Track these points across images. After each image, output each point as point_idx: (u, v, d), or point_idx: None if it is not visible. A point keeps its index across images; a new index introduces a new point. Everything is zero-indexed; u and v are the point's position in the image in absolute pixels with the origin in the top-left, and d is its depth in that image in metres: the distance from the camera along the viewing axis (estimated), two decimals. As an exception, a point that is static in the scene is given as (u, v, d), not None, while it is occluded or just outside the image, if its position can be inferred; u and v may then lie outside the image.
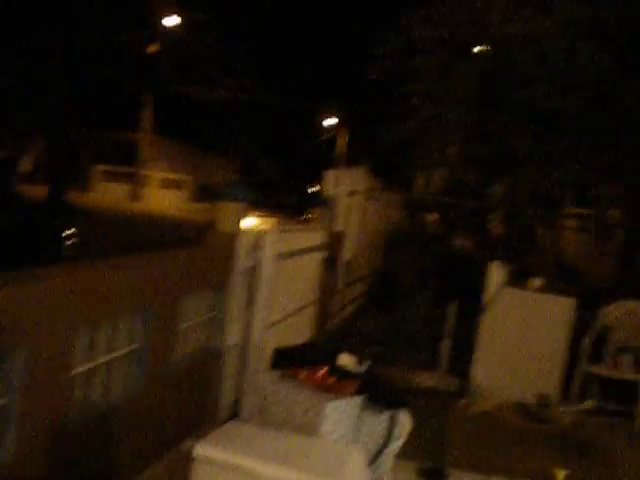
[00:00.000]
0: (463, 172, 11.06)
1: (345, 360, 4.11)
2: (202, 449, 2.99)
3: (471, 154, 10.34)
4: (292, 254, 6.47)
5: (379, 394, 3.90)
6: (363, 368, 4.14)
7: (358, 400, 3.83)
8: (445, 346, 8.15)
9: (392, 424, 3.83)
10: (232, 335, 5.43)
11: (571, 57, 8.63)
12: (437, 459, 5.43)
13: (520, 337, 7.41)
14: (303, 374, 3.83)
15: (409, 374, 7.76)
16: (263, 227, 6.52)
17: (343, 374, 3.95)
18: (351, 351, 4.25)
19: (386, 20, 10.05)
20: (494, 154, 10.00)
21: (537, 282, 7.88)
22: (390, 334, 9.55)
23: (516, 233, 11.05)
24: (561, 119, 9.08)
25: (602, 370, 7.55)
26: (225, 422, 3.72)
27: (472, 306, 7.80)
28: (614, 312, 7.87)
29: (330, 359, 4.02)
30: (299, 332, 7.16)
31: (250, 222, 7.17)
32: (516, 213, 10.99)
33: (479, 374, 7.44)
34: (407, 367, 8.00)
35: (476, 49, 9.44)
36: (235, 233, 5.48)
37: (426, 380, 7.81)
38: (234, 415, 5.09)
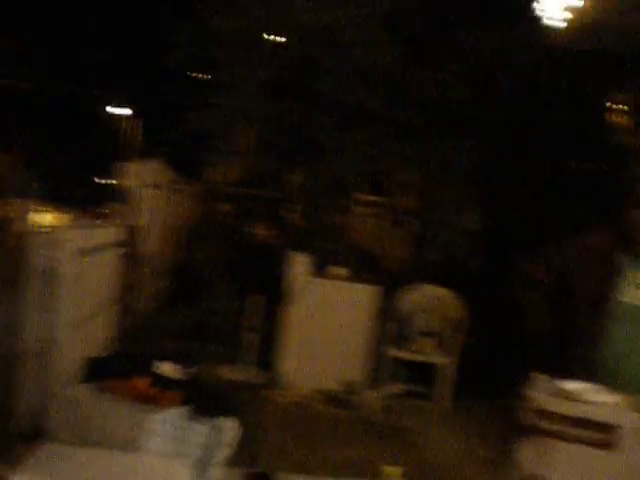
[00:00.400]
0: (262, 162, 10.96)
1: (166, 368, 3.86)
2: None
3: (270, 144, 10.26)
4: (91, 251, 6.07)
5: (204, 402, 3.69)
6: (186, 375, 3.92)
7: (183, 410, 3.60)
8: (251, 338, 8.03)
9: (218, 432, 3.64)
10: (28, 339, 4.98)
11: (370, 49, 8.75)
12: (261, 461, 5.28)
13: (326, 326, 7.43)
14: (123, 386, 3.55)
15: (215, 369, 7.57)
16: (57, 223, 6.08)
17: (165, 383, 3.70)
18: (168, 356, 4.01)
19: (183, 8, 9.72)
20: (293, 144, 9.98)
21: (340, 271, 7.94)
22: (192, 329, 9.30)
23: (315, 222, 11.11)
24: (359, 110, 9.19)
25: (407, 354, 7.74)
26: (27, 441, 3.37)
27: (277, 297, 7.74)
28: (414, 297, 8.09)
29: (149, 367, 3.76)
30: (101, 333, 6.77)
31: (42, 218, 6.69)
32: (313, 202, 11.05)
33: (287, 365, 7.39)
34: (212, 362, 7.80)
35: (276, 39, 9.36)
36: (26, 231, 5.05)
37: (233, 374, 7.66)
38: (35, 432, 4.66)
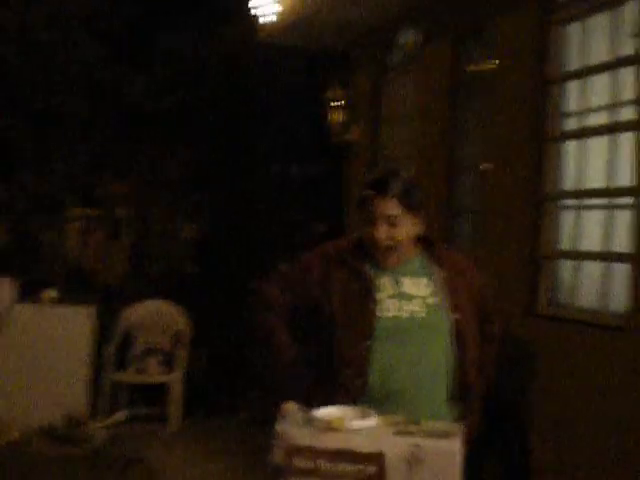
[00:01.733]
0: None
1: None
2: None
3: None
4: None
5: None
6: None
7: None
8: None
9: None
10: None
11: (66, 50, 8.17)
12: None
13: (40, 356, 6.72)
14: None
15: None
16: None
17: None
18: None
19: None
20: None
21: (51, 293, 7.25)
22: None
23: (20, 242, 10.26)
24: (62, 117, 8.58)
25: (129, 376, 7.26)
26: None
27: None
28: (135, 313, 7.63)
29: None
30: None
31: None
32: (18, 220, 10.22)
33: (-2, 403, 6.60)
34: None
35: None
36: None
37: None
38: None
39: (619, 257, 4.26)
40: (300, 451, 2.13)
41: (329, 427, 2.22)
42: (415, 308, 2.66)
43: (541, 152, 4.78)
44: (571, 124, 4.76)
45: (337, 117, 6.78)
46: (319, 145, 7.76)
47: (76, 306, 7.08)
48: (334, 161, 7.37)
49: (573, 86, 4.77)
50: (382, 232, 2.66)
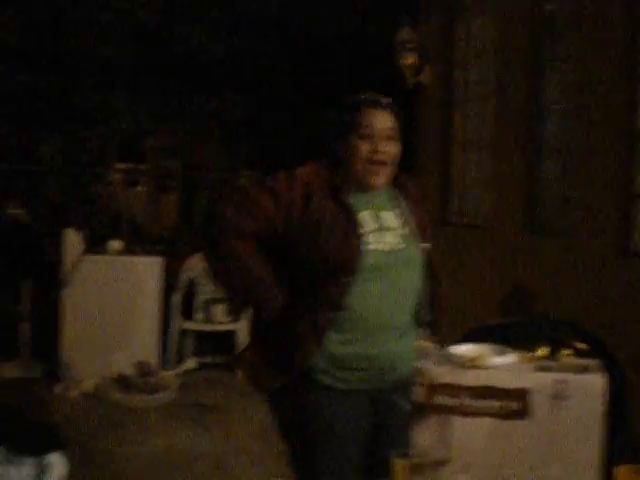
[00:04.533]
0: (10, 131, 9.95)
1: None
2: None
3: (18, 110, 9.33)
4: None
5: (20, 438, 3.05)
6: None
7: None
8: (23, 330, 7.20)
9: (42, 472, 3.01)
10: None
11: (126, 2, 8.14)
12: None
13: (110, 306, 6.78)
14: None
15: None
16: None
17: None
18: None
19: None
20: (45, 110, 9.13)
21: (116, 245, 7.29)
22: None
23: (77, 195, 10.32)
24: (118, 67, 8.54)
25: (197, 324, 7.32)
26: None
27: (50, 281, 6.99)
28: (199, 264, 7.64)
29: None
30: None
31: None
32: (73, 173, 10.27)
33: (69, 353, 6.67)
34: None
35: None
36: None
37: (6, 371, 6.84)
38: None
39: None
40: (442, 388, 2.10)
41: (471, 364, 2.19)
42: (394, 240, 2.64)
43: (635, 88, 4.64)
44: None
45: (409, 60, 6.63)
46: (390, 90, 7.62)
47: (142, 257, 7.12)
48: (406, 106, 7.24)
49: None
50: (382, 147, 2.59)
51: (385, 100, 2.62)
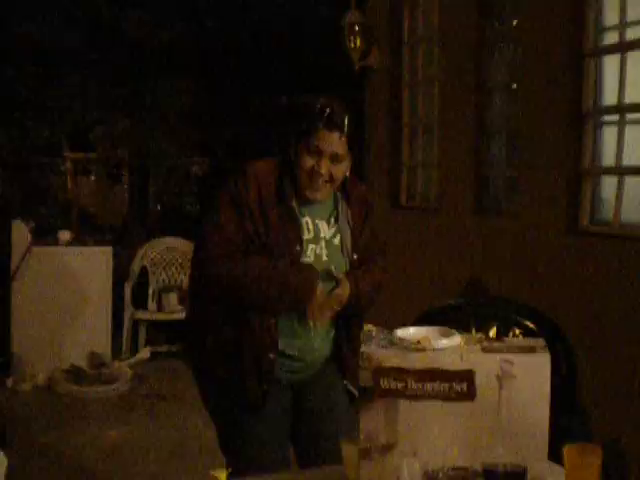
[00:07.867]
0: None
1: None
2: None
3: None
4: None
5: None
6: None
7: None
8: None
9: None
10: None
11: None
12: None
13: (60, 298, 6.67)
14: None
15: None
16: None
17: None
18: None
19: None
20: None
21: (66, 235, 7.16)
22: None
23: (25, 186, 10.14)
24: (65, 55, 8.40)
25: (149, 314, 7.25)
26: None
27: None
28: (151, 252, 7.58)
29: None
30: None
31: None
32: (20, 164, 10.09)
33: (20, 346, 6.56)
34: None
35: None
36: None
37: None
38: None
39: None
40: (388, 372, 2.09)
41: (416, 347, 2.18)
42: (320, 252, 2.71)
43: (580, 68, 4.67)
44: (610, 38, 4.65)
45: (355, 43, 6.58)
46: (338, 74, 7.56)
47: (92, 247, 7.03)
48: (355, 89, 7.20)
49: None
50: (325, 168, 2.62)
51: (342, 125, 2.61)
